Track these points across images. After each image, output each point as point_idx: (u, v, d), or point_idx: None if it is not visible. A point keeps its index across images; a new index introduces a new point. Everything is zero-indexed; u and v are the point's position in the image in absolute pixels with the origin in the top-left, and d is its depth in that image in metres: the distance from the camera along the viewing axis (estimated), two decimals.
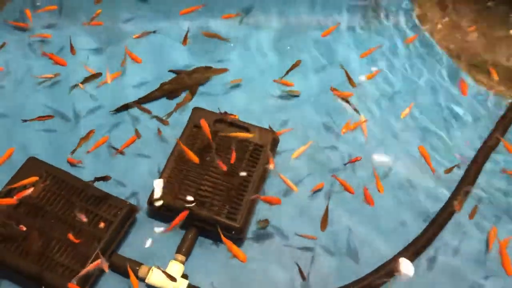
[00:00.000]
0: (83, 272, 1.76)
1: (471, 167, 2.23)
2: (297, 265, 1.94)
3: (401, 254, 2.00)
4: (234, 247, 1.81)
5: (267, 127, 2.22)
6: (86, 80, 2.31)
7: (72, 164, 2.18)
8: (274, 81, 2.43)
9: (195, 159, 2.00)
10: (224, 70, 2.51)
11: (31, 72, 2.49)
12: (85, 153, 2.17)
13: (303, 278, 1.93)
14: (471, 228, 2.09)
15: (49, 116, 2.24)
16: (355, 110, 2.32)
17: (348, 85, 2.34)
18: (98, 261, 1.76)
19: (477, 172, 2.22)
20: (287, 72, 2.42)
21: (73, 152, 2.13)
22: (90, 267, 1.77)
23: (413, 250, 2.01)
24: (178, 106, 2.30)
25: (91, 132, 2.15)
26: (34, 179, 1.94)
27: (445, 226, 2.08)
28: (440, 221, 2.08)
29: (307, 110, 2.44)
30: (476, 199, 2.16)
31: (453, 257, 2.04)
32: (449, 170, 2.14)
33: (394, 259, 1.98)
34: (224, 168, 1.97)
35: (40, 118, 2.21)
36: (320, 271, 1.98)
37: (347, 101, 2.31)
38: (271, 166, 2.00)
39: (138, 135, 2.13)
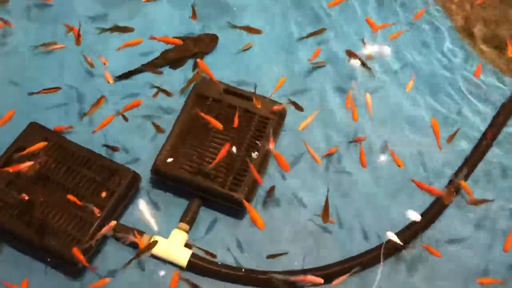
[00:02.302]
0: (99, 235, 1.77)
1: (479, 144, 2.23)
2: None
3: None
4: (255, 213, 1.77)
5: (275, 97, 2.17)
6: (116, 29, 2.22)
7: (60, 132, 2.12)
8: (309, 61, 2.37)
9: (219, 125, 1.96)
10: (258, 31, 2.40)
11: (35, 38, 2.39)
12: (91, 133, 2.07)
13: None
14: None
15: (57, 88, 2.17)
16: (367, 68, 2.27)
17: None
18: (111, 224, 1.77)
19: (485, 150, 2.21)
20: (309, 36, 2.38)
21: (82, 117, 2.08)
22: (104, 230, 1.76)
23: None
24: (191, 81, 2.19)
25: (102, 98, 2.07)
26: (42, 144, 1.90)
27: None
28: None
29: (319, 79, 2.40)
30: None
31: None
32: (450, 138, 2.12)
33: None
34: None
35: (47, 90, 2.15)
36: (327, 246, 1.99)
37: (362, 62, 2.26)
38: (270, 147, 1.90)
39: None
